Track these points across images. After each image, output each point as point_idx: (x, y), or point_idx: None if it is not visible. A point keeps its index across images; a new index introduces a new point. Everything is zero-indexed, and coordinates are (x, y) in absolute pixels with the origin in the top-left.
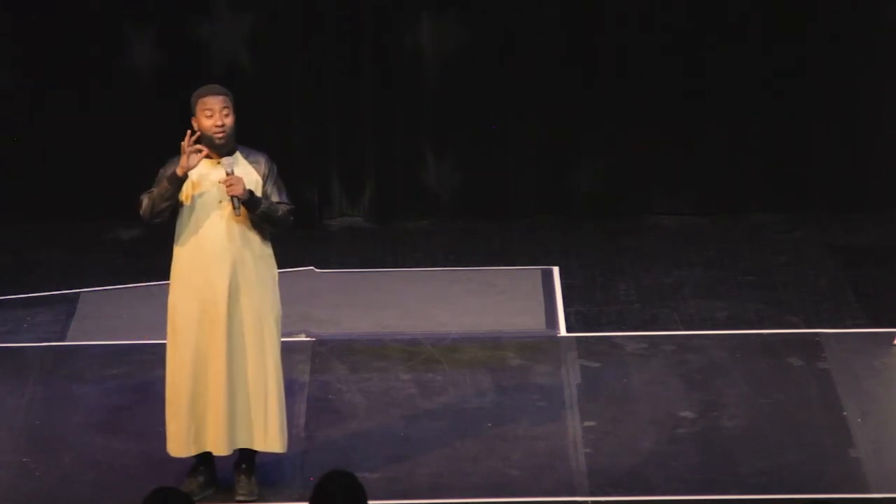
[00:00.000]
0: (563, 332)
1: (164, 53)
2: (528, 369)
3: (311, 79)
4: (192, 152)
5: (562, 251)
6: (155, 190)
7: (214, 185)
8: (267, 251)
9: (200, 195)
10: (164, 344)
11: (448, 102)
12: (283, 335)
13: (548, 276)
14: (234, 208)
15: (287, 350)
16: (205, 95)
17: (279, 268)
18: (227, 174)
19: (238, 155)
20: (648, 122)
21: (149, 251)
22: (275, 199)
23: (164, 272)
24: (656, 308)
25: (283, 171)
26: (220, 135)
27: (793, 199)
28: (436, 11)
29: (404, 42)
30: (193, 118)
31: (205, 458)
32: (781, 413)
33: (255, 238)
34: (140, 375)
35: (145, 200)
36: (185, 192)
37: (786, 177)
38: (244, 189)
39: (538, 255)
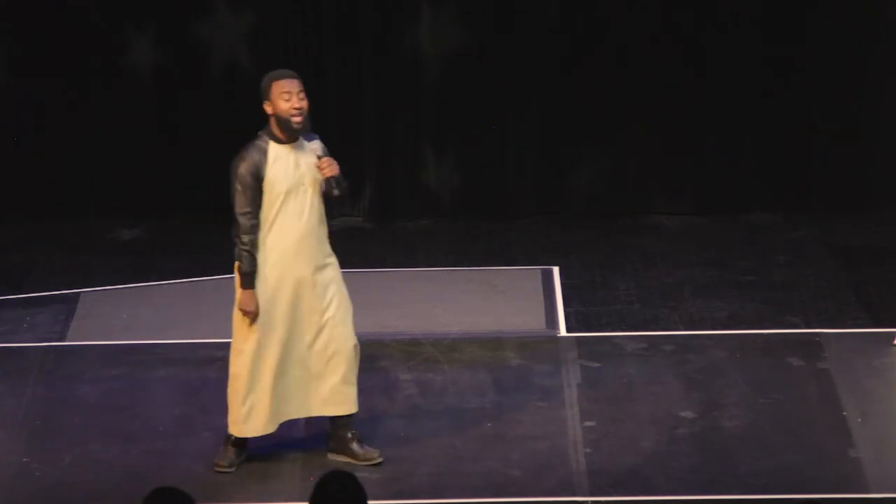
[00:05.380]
0: (563, 332)
1: (164, 53)
2: (528, 369)
3: (310, 78)
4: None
5: (562, 251)
6: (243, 258)
7: (296, 169)
8: (326, 231)
9: (285, 181)
10: (164, 344)
11: (448, 102)
12: None
13: (548, 276)
14: (332, 188)
15: None
16: (281, 78)
17: None
18: (319, 157)
19: (301, 140)
20: (648, 122)
21: (149, 251)
22: None
23: (163, 272)
24: (656, 308)
25: None
26: (299, 118)
27: (793, 199)
28: (436, 11)
29: (404, 42)
30: (267, 102)
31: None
32: (781, 413)
33: (323, 220)
34: (140, 375)
35: (239, 248)
36: (270, 180)
37: (786, 177)
38: (338, 168)
39: (538, 255)
